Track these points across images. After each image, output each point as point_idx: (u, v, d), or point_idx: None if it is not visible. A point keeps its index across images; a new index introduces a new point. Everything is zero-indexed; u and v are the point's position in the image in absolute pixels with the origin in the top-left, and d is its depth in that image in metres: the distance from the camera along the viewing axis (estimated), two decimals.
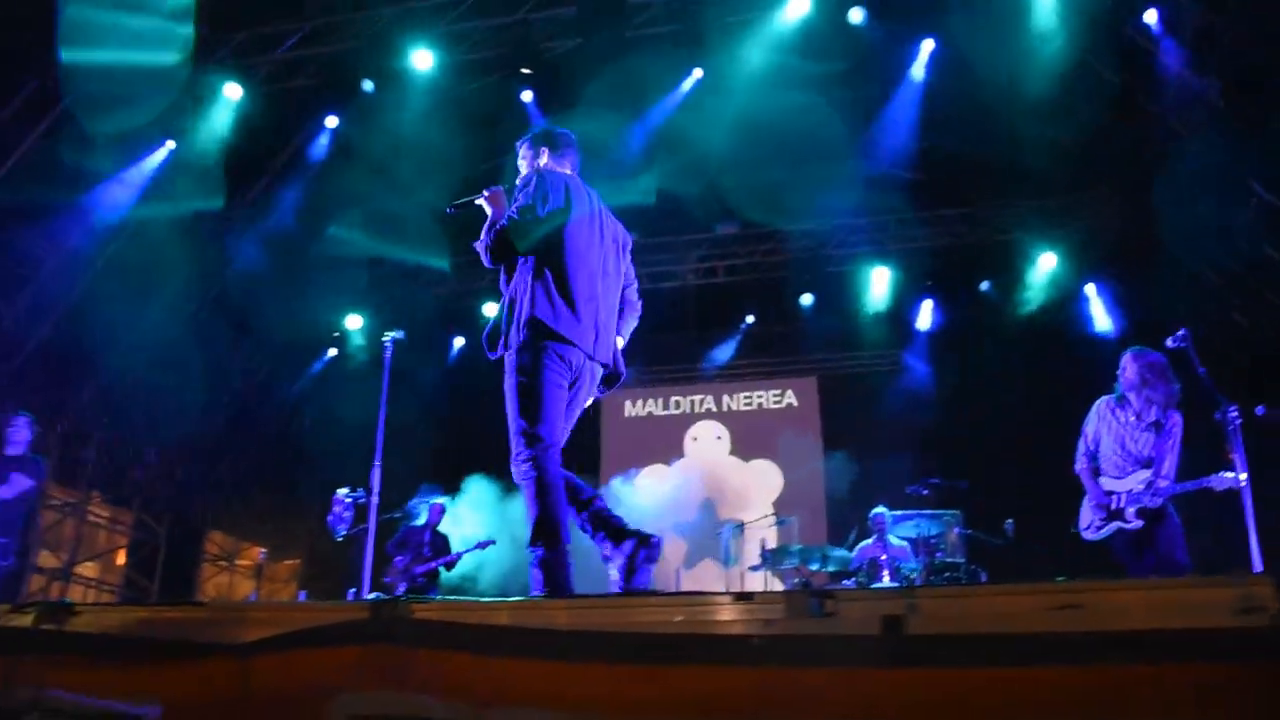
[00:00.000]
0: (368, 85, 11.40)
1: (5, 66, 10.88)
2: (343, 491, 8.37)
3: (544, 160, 4.56)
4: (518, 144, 4.72)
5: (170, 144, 12.14)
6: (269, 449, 16.08)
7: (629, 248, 4.72)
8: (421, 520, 10.16)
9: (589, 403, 4.53)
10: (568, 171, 4.54)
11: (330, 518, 8.31)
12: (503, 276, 4.43)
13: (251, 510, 16.82)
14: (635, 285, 4.77)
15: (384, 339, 5.96)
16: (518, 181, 4.45)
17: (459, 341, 15.48)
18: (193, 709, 3.35)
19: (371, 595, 4.12)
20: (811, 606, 2.71)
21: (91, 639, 3.71)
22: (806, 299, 14.48)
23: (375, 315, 14.84)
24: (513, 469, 4.10)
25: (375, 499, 5.74)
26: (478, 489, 12.47)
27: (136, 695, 3.43)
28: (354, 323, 15.02)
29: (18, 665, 3.65)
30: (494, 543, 10.39)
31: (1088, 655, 2.22)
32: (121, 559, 16.69)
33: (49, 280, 13.03)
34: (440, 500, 10.51)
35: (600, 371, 4.43)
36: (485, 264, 4.35)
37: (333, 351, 15.44)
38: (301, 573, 16.88)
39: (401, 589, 9.55)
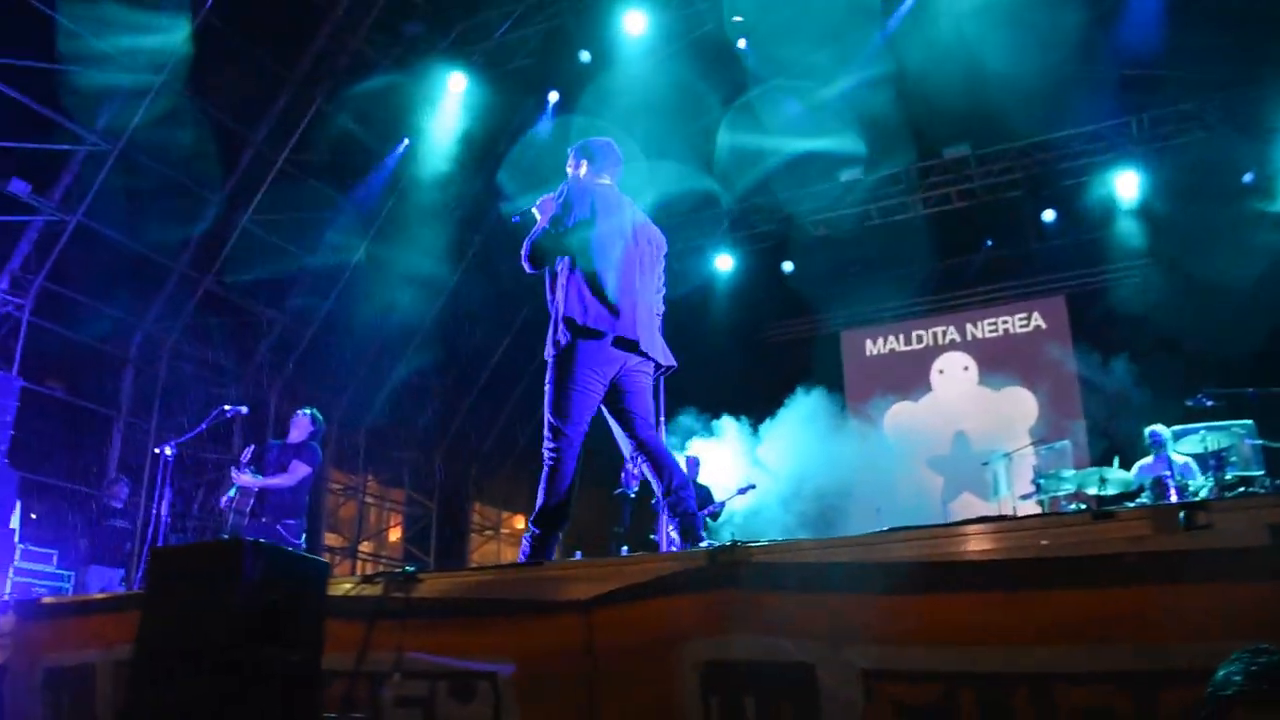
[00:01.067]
0: (584, 56, 11.60)
1: (258, 89, 11.71)
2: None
3: (583, 172, 4.82)
4: (569, 150, 4.96)
5: (405, 141, 12.79)
6: (521, 420, 16.74)
7: (664, 252, 4.93)
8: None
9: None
10: (605, 181, 4.79)
11: (623, 474, 8.54)
12: (548, 286, 4.73)
13: (509, 480, 17.62)
14: (663, 293, 4.96)
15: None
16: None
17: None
18: (543, 664, 3.50)
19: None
20: (1179, 520, 2.60)
21: (442, 603, 3.94)
22: (1048, 215, 13.79)
23: None
24: (548, 454, 4.45)
25: None
26: (731, 431, 12.61)
27: (488, 654, 3.62)
28: None
29: (375, 631, 3.93)
30: (754, 487, 10.43)
31: None
32: (395, 535, 17.86)
33: (313, 284, 14.00)
34: (694, 453, 10.65)
35: (651, 364, 4.66)
36: (527, 270, 4.67)
37: None
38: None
39: (670, 543, 9.72)
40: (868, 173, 13.82)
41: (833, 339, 15.16)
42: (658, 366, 4.75)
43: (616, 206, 4.67)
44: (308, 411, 7.84)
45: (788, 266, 14.96)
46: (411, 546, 17.32)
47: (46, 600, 5.11)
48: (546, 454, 4.44)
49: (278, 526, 7.34)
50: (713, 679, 3.06)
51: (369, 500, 17.18)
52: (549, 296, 4.72)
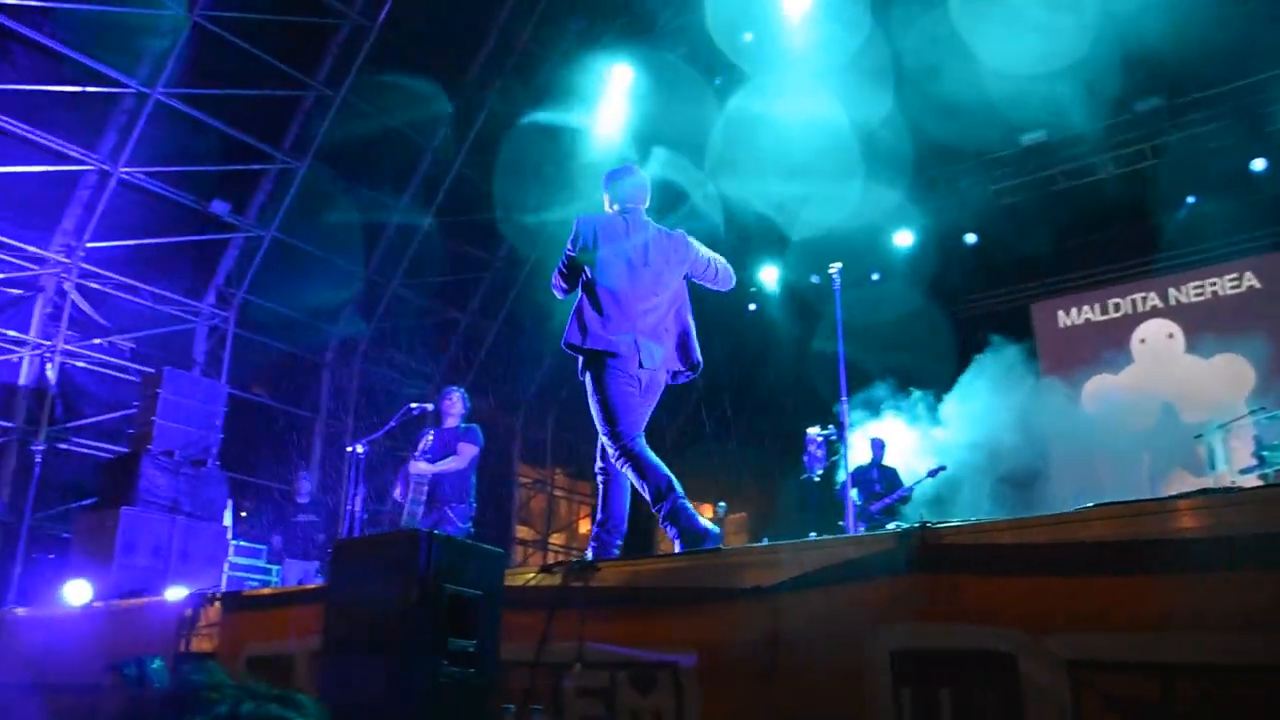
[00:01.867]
0: (747, 38, 11.42)
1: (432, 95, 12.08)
2: (814, 430, 8.36)
3: (607, 202, 5.10)
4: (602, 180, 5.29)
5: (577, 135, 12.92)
6: (705, 409, 16.69)
7: (690, 258, 5.06)
8: (867, 460, 10.02)
9: None
10: (631, 206, 5.02)
11: (806, 457, 8.34)
12: None
13: (695, 471, 17.59)
14: (710, 263, 5.14)
15: (830, 270, 5.81)
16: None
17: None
18: (725, 653, 3.38)
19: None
20: None
21: (622, 592, 3.88)
22: (1258, 164, 12.68)
23: (785, 265, 14.91)
24: (615, 465, 4.71)
25: (847, 434, 5.60)
26: (919, 407, 12.22)
27: (669, 643, 3.53)
28: (769, 275, 15.13)
29: (555, 621, 3.91)
30: (944, 468, 10.04)
31: None
32: (585, 526, 18.12)
33: (493, 283, 14.35)
34: (878, 435, 10.33)
35: (663, 376, 4.92)
36: (558, 297, 5.08)
37: (751, 306, 15.63)
38: (750, 522, 17.37)
39: (860, 529, 9.47)
40: (1051, 135, 13.07)
41: (1023, 311, 14.47)
42: (679, 373, 5.00)
43: (622, 231, 4.89)
44: (457, 390, 7.83)
45: (971, 238, 14.35)
46: None
47: (246, 592, 5.34)
48: (619, 459, 4.66)
49: (449, 512, 7.33)
50: (904, 669, 2.89)
51: (558, 493, 17.49)
52: None
